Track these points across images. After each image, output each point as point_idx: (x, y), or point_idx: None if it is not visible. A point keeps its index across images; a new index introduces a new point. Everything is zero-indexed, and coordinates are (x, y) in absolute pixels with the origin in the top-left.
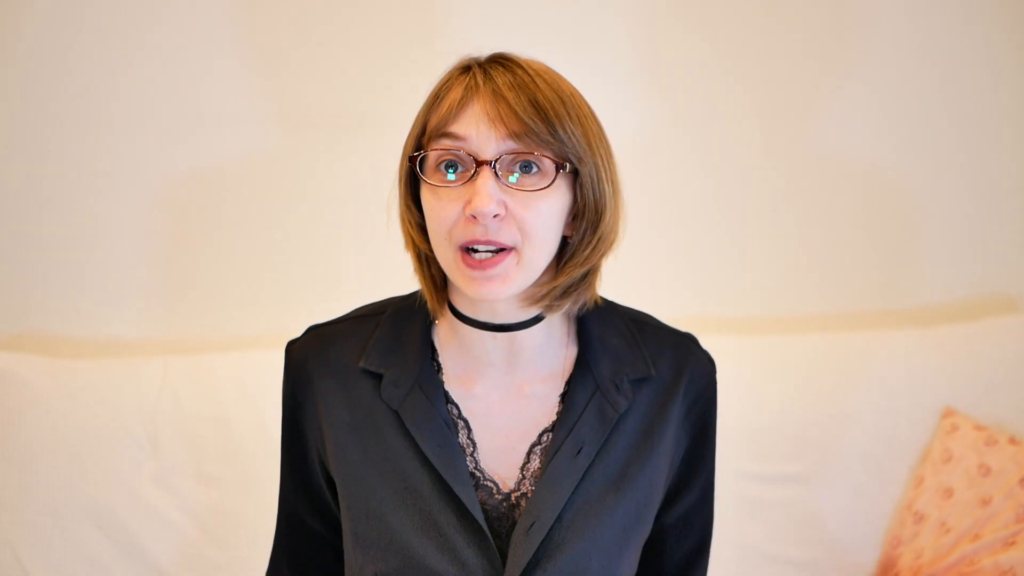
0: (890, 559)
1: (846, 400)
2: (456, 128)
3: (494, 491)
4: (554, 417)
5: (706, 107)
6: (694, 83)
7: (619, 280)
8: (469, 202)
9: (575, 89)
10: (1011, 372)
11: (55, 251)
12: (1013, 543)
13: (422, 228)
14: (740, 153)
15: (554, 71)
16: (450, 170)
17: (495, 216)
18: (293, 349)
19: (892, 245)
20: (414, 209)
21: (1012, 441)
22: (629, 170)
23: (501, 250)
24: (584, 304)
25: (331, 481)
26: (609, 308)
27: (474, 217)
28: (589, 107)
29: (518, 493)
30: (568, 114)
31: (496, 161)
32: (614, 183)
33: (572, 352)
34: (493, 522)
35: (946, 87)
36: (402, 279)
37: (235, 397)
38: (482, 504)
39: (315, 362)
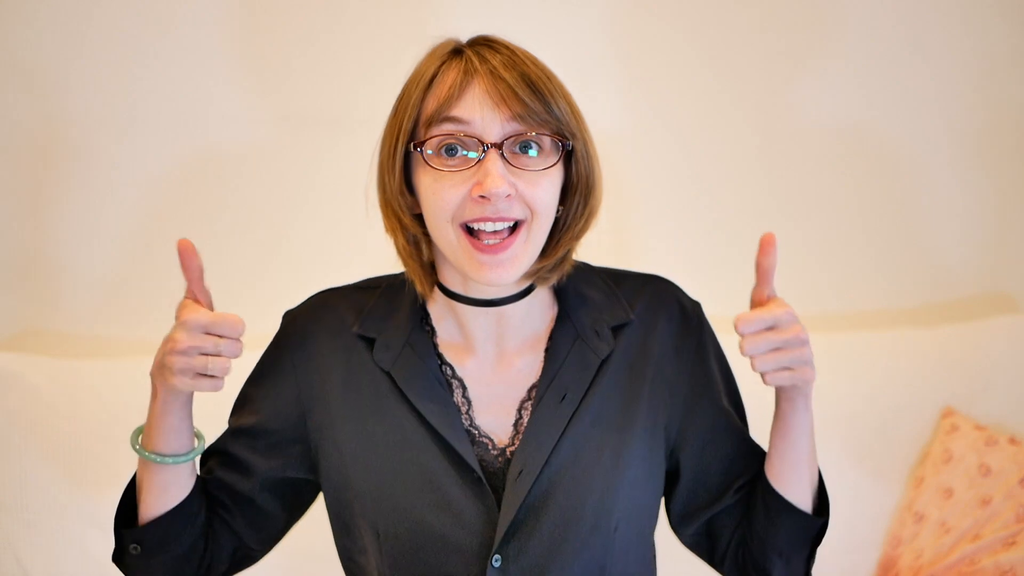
0: (890, 559)
1: (846, 400)
2: (458, 112)
3: (489, 447)
4: (540, 373)
5: (701, 106)
6: (691, 83)
7: None
8: (479, 184)
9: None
10: (1011, 372)
11: (55, 251)
12: (1013, 543)
13: (413, 213)
14: (741, 154)
15: (529, 52)
16: (451, 153)
17: (506, 196)
18: (296, 315)
19: (892, 245)
20: (407, 194)
21: (1012, 441)
22: (629, 171)
23: (513, 229)
24: (562, 275)
25: (297, 452)
26: (585, 267)
27: (483, 198)
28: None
29: (512, 448)
30: (556, 90)
31: (503, 143)
32: (596, 156)
33: (553, 311)
34: (490, 477)
35: (945, 86)
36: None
37: (234, 397)
38: (479, 460)
39: (316, 326)
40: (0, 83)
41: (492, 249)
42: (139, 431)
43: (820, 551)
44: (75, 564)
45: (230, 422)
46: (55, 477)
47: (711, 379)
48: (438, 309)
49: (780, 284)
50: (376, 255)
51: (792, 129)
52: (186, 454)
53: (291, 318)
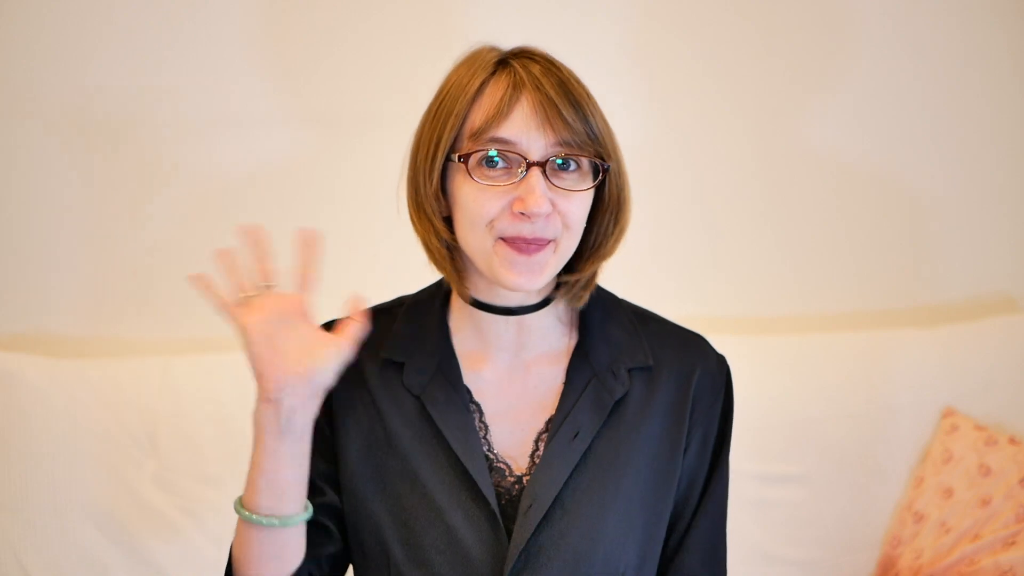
0: (890, 559)
1: (846, 400)
2: (505, 132)
3: (507, 473)
4: (557, 404)
5: (702, 108)
6: (691, 84)
7: (619, 282)
8: (520, 199)
9: None
10: (1011, 372)
11: (55, 251)
12: (1013, 543)
13: (444, 218)
14: (740, 154)
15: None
16: (491, 164)
17: (547, 215)
18: None
19: (892, 245)
20: (441, 199)
21: (1012, 441)
22: (630, 171)
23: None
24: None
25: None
26: (612, 300)
27: (523, 215)
28: None
29: (529, 477)
30: (595, 112)
31: (545, 162)
32: (627, 175)
33: (573, 339)
34: (505, 506)
35: (945, 86)
36: (404, 280)
37: (235, 397)
38: (496, 486)
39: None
40: (4, 84)
41: (527, 250)
42: (240, 500)
43: (820, 551)
44: (75, 564)
45: None
46: (55, 477)
47: (724, 457)
48: (456, 316)
49: (781, 285)
50: (378, 256)
51: (796, 132)
52: (304, 512)
53: None
